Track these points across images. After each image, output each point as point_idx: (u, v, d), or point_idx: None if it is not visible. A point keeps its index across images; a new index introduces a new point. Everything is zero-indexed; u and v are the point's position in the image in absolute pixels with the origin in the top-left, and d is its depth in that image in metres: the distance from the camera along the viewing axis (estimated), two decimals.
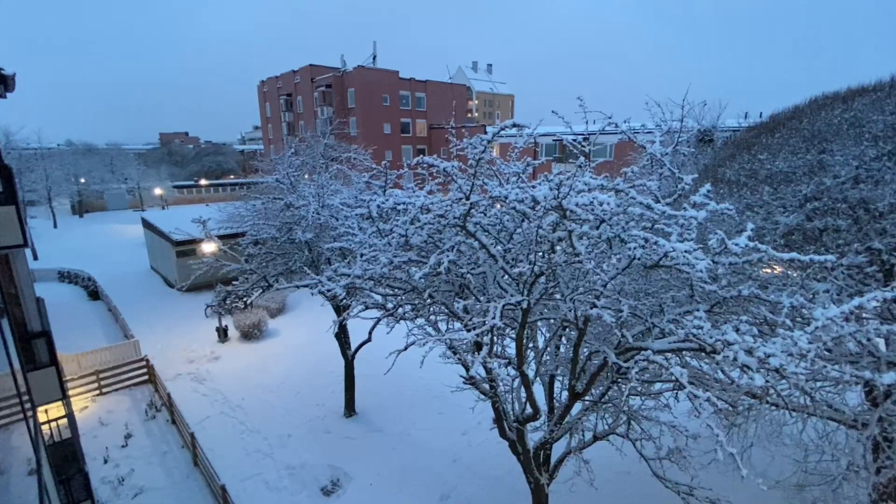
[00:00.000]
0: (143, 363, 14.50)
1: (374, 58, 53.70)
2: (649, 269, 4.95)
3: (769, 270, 6.42)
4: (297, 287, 8.06)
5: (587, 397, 6.07)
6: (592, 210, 3.91)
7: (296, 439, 11.76)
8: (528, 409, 6.13)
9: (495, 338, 6.12)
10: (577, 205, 3.78)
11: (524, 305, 4.65)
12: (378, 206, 5.94)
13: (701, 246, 4.67)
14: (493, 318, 4.15)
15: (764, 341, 4.22)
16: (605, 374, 5.84)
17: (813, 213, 6.25)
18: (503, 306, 4.34)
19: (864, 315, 5.80)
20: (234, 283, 12.76)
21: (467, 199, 4.38)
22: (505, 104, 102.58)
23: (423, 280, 5.03)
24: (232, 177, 68.62)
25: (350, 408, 12.93)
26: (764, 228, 6.55)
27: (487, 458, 10.84)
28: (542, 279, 4.78)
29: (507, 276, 5.04)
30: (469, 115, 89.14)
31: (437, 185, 6.46)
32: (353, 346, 12.56)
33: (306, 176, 13.78)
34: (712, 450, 4.92)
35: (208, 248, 13.94)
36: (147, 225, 27.24)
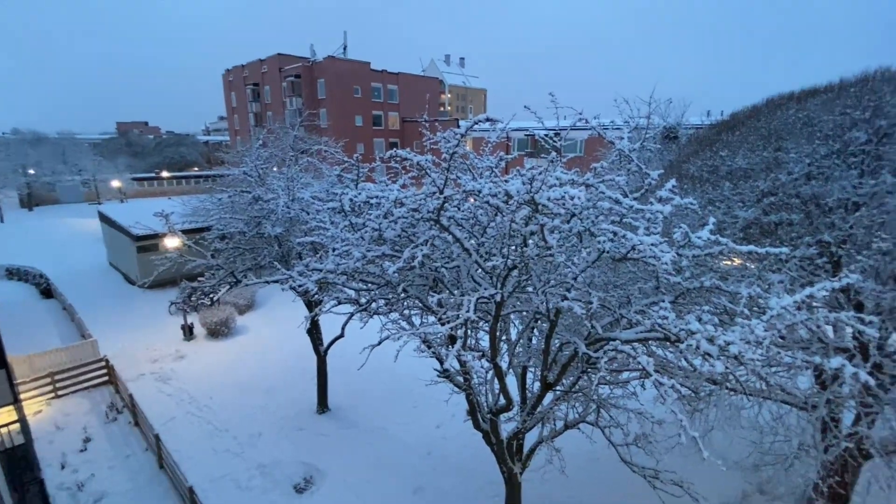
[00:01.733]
0: (102, 364, 13.87)
1: (345, 48, 52.71)
2: (618, 261, 5.10)
3: (729, 262, 6.73)
4: (268, 282, 7.89)
5: (558, 387, 6.22)
6: (564, 204, 4.00)
7: (267, 437, 11.55)
8: (502, 400, 6.23)
9: (469, 331, 6.17)
10: (548, 199, 3.85)
11: (498, 298, 4.71)
12: (351, 200, 5.87)
13: (666, 239, 4.83)
14: (468, 311, 4.19)
15: (724, 330, 4.43)
16: (575, 365, 5.99)
17: (769, 207, 6.58)
18: (477, 299, 4.39)
19: (814, 304, 6.17)
20: (199, 279, 12.34)
21: (441, 192, 4.39)
22: (478, 98, 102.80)
23: (396, 274, 5.01)
24: (195, 169, 66.06)
25: (323, 404, 12.79)
26: (724, 222, 6.86)
27: (461, 449, 10.96)
28: (515, 272, 4.86)
29: (480, 270, 5.09)
30: (442, 108, 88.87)
31: (411, 179, 6.43)
32: (326, 342, 12.42)
33: (274, 168, 13.43)
34: (676, 434, 5.14)
35: (171, 243, 13.41)
36: (104, 219, 25.95)
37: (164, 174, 57.23)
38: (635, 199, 5.76)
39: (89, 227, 36.52)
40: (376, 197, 5.37)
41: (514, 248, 4.59)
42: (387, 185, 9.19)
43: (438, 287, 6.16)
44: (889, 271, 5.91)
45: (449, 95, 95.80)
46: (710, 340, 4.39)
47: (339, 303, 8.53)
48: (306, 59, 48.47)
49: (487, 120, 4.06)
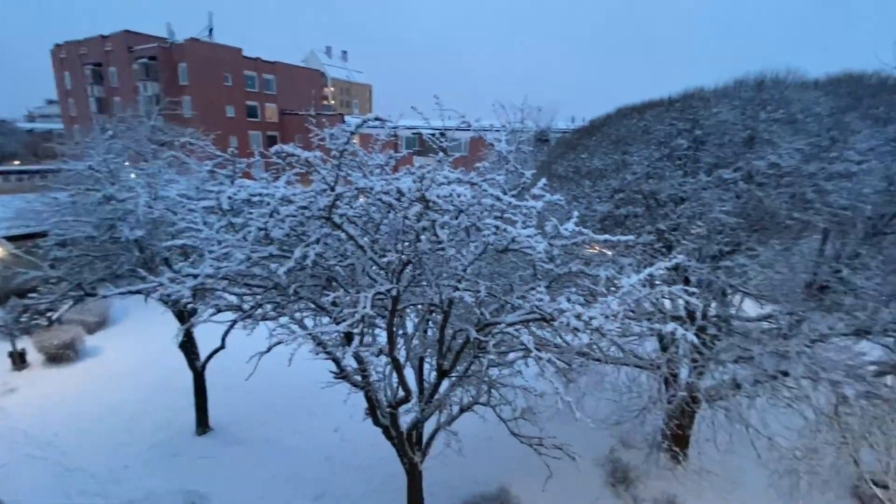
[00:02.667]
0: None
1: (211, 31, 47.69)
2: (500, 253, 5.59)
3: (591, 250, 7.78)
4: (132, 292, 6.94)
5: (453, 374, 6.57)
6: (452, 201, 4.26)
7: (135, 470, 10.13)
8: (401, 393, 6.38)
9: (366, 328, 6.19)
10: (438, 196, 4.08)
11: (394, 293, 4.83)
12: (230, 198, 5.47)
13: (540, 231, 5.44)
14: (365, 307, 4.24)
15: (588, 307, 5.16)
16: (468, 350, 6.39)
17: (619, 202, 7.75)
18: (374, 295, 4.46)
19: (655, 281, 7.45)
20: (31, 294, 10.28)
21: (332, 189, 4.35)
22: (363, 94, 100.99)
23: (286, 275, 4.83)
24: (17, 162, 54.06)
25: (203, 424, 11.61)
26: (586, 216, 7.88)
27: (360, 450, 10.88)
28: (410, 267, 5.02)
29: (375, 266, 5.16)
30: (325, 102, 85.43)
31: (295, 176, 6.19)
32: (204, 356, 11.27)
33: (127, 163, 11.70)
34: (555, 403, 5.83)
35: None
36: None
37: None
38: (513, 196, 6.34)
39: None
40: (259, 194, 5.09)
41: (407, 243, 4.75)
42: (268, 182, 8.72)
43: (332, 286, 6.05)
44: (706, 252, 7.39)
45: (332, 89, 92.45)
46: (578, 317, 5.07)
47: (219, 311, 7.84)
48: (163, 40, 42.73)
49: (377, 119, 4.14)
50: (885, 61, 8.34)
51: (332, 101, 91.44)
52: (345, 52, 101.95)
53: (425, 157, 40.28)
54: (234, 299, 7.46)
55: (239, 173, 7.73)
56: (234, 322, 7.29)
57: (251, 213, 6.01)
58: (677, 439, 8.66)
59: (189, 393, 11.73)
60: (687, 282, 7.61)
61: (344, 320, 4.41)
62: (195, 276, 5.66)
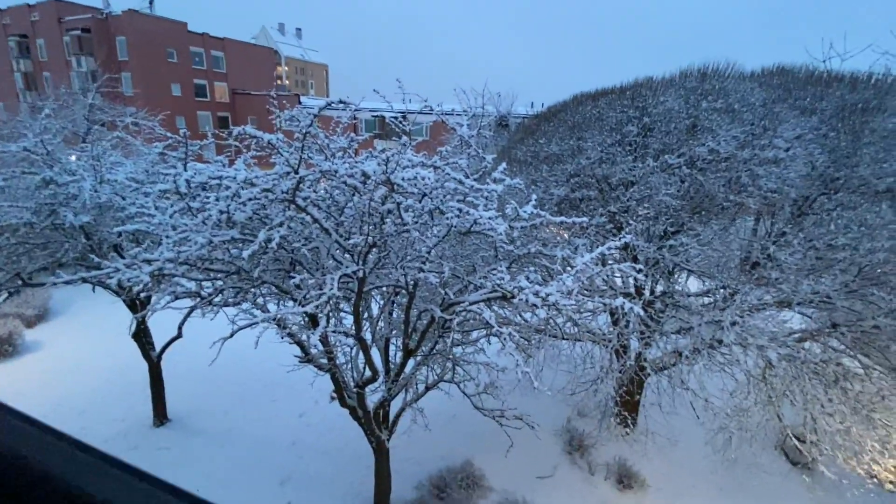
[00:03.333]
0: None
1: (151, 2, 44.38)
2: (463, 235, 5.80)
3: (548, 231, 8.15)
4: (85, 280, 6.64)
5: (419, 353, 6.79)
6: (416, 184, 4.39)
7: None
8: (368, 373, 6.53)
9: (332, 311, 6.27)
10: (403, 179, 4.20)
11: (360, 275, 4.94)
12: (187, 182, 5.35)
13: (500, 214, 5.69)
14: (332, 288, 4.33)
15: (546, 285, 5.48)
16: (433, 330, 6.61)
17: (575, 186, 8.12)
18: (340, 277, 4.55)
19: (607, 260, 7.92)
20: None
21: (296, 172, 4.37)
22: (319, 74, 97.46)
23: (250, 259, 4.82)
24: None
25: (160, 415, 11.29)
26: (544, 199, 8.21)
27: (327, 433, 10.98)
28: (375, 250, 5.13)
29: (340, 249, 5.22)
30: (279, 82, 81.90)
31: (253, 159, 6.09)
32: (160, 346, 10.91)
33: (61, 143, 10.93)
34: (516, 377, 6.18)
35: None
36: None
37: None
38: (475, 180, 6.54)
39: None
40: (219, 177, 5.01)
41: (372, 226, 4.84)
42: (223, 165, 8.50)
43: (296, 270, 6.05)
44: (653, 232, 7.92)
45: (286, 68, 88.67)
46: (536, 294, 5.40)
47: (177, 298, 7.63)
48: (98, 11, 39.45)
49: (342, 102, 4.17)
50: (813, 56, 9.11)
51: (287, 81, 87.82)
52: (299, 30, 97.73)
53: (386, 141, 39.73)
54: (192, 286, 7.29)
55: (192, 156, 7.48)
56: (193, 309, 7.14)
57: (208, 196, 5.89)
58: (627, 405, 9.34)
59: (145, 385, 11.34)
60: (635, 260, 8.13)
61: (310, 302, 4.48)
62: (149, 262, 5.51)
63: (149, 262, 5.39)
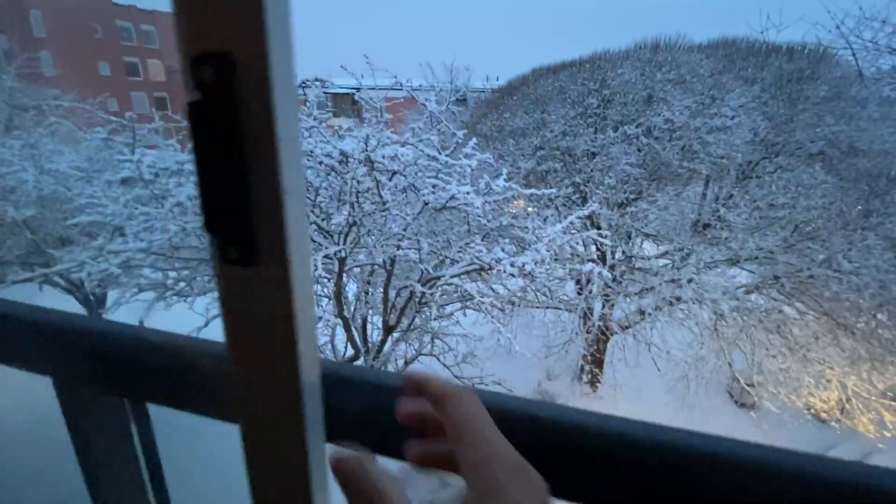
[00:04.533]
0: None
1: None
2: (438, 211, 5.92)
3: (516, 205, 8.39)
4: (46, 276, 6.27)
5: (398, 329, 6.93)
6: (394, 161, 4.44)
7: (53, 473, 9.38)
8: (350, 351, 6.62)
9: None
10: (382, 157, 4.23)
11: (342, 255, 4.97)
12: (150, 167, 5.13)
13: (474, 188, 5.83)
14: (315, 269, 4.36)
15: (521, 255, 5.73)
16: (411, 306, 6.76)
17: (540, 159, 8.36)
18: (323, 257, 4.57)
19: (573, 230, 8.30)
20: None
21: None
22: None
23: None
24: None
25: None
26: (511, 172, 8.41)
27: None
28: (355, 229, 5.15)
29: (318, 230, 5.21)
30: None
31: None
32: None
33: None
34: (493, 345, 6.47)
35: None
36: None
37: None
38: (447, 156, 6.63)
39: None
40: (188, 161, 4.84)
41: (350, 205, 4.85)
42: (176, 150, 8.12)
43: None
44: (614, 200, 8.33)
45: None
46: (512, 264, 5.65)
47: (141, 290, 7.34)
48: None
49: (316, 80, 4.10)
50: (753, 27, 9.68)
51: None
52: None
53: (340, 119, 38.58)
54: (158, 276, 7.03)
55: (140, 141, 7.11)
56: (157, 300, 6.91)
57: (168, 182, 5.67)
58: (594, 361, 9.99)
59: None
60: (598, 227, 8.56)
61: None
62: (115, 254, 5.29)
63: (115, 253, 5.18)
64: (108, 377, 0.62)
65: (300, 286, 0.31)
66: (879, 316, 6.77)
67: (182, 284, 6.60)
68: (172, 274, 6.72)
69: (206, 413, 0.57)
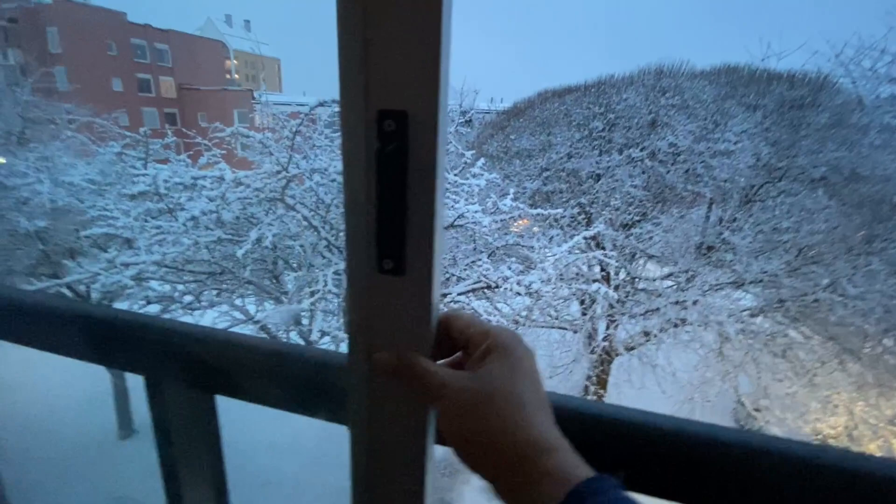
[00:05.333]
0: None
1: None
2: (445, 228, 6.00)
3: (521, 224, 8.49)
4: (60, 286, 6.35)
5: None
6: None
7: (51, 483, 9.26)
8: None
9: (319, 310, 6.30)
10: None
11: None
12: (165, 182, 5.24)
13: (482, 207, 5.92)
14: (325, 284, 4.42)
15: (527, 274, 5.78)
16: None
17: (546, 180, 8.49)
18: (332, 273, 4.63)
19: (578, 250, 8.36)
20: None
21: (286, 171, 4.40)
22: (271, 67, 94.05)
23: (242, 258, 4.80)
24: None
25: (126, 427, 10.81)
26: (518, 192, 8.54)
27: (307, 429, 10.92)
28: None
29: (329, 246, 5.29)
30: (228, 76, 78.44)
31: (217, 157, 6.01)
32: None
33: None
34: None
35: None
36: None
37: None
38: (456, 175, 6.75)
39: None
40: (203, 177, 4.95)
41: None
42: (188, 165, 8.28)
43: (277, 269, 6.03)
44: (619, 221, 8.42)
45: (236, 62, 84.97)
46: (519, 283, 5.69)
47: (149, 302, 7.39)
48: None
49: (334, 101, 4.23)
50: (754, 55, 9.92)
51: (237, 76, 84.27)
52: (248, 22, 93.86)
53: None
54: (167, 289, 7.08)
55: (152, 156, 7.26)
56: (164, 312, 6.94)
57: (179, 197, 5.77)
58: (600, 381, 9.92)
59: (106, 397, 10.81)
60: (603, 248, 8.62)
61: (306, 298, 4.54)
62: (127, 265, 5.35)
63: (126, 265, 5.24)
64: (195, 376, 0.68)
65: (436, 293, 0.37)
66: (885, 341, 6.76)
67: (189, 298, 6.65)
68: (180, 287, 6.78)
69: (310, 413, 0.62)
